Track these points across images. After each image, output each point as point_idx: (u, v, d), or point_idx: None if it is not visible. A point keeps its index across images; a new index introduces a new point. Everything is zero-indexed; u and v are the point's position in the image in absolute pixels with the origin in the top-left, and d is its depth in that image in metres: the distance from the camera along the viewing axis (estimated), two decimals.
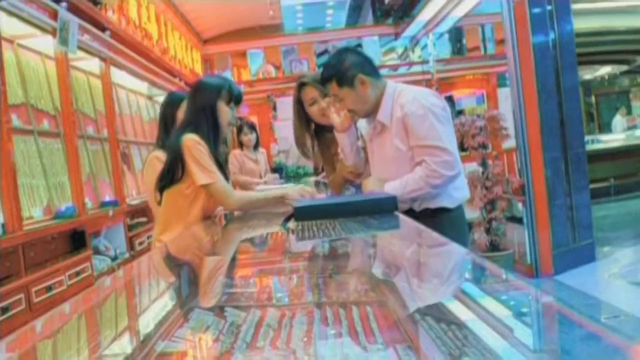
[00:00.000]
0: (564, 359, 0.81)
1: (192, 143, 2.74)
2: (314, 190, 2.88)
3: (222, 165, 2.87)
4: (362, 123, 3.08)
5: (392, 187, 2.72)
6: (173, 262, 2.09)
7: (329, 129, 3.42)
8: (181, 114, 3.51)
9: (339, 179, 3.37)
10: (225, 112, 2.88)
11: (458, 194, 2.83)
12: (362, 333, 0.95)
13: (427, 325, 0.93)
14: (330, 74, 2.81)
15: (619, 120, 14.57)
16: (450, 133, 2.75)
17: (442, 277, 1.43)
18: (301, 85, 3.34)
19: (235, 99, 2.92)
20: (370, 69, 2.82)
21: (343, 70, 2.77)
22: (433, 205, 2.76)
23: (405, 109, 2.69)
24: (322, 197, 2.94)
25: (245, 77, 11.49)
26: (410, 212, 2.73)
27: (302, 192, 2.80)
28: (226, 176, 2.89)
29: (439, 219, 2.74)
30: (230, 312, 1.17)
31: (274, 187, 3.97)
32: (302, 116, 3.39)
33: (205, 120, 2.83)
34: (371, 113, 2.87)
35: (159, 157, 3.39)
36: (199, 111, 2.85)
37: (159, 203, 2.94)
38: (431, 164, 2.64)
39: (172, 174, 2.81)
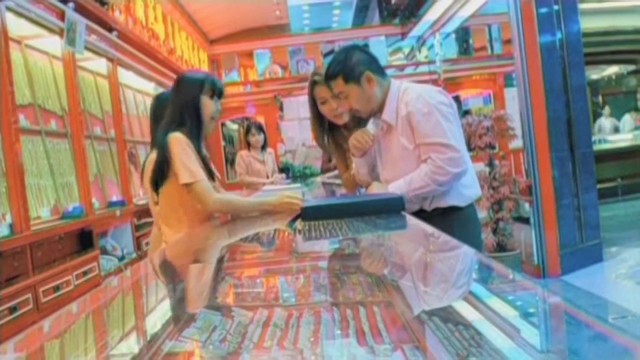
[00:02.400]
0: (571, 359, 0.81)
1: (177, 141, 2.71)
2: (300, 197, 2.81)
3: (206, 162, 2.84)
4: (369, 125, 3.06)
5: (396, 186, 2.70)
6: (179, 263, 2.09)
7: (343, 125, 3.41)
8: None
9: (353, 179, 3.36)
10: (209, 106, 2.85)
11: (468, 192, 2.80)
12: (369, 333, 0.95)
13: (434, 326, 0.93)
14: (336, 70, 2.77)
15: (627, 120, 14.50)
16: (456, 130, 2.72)
17: (449, 277, 1.43)
18: (314, 83, 3.32)
19: (218, 92, 2.88)
20: (376, 67, 2.79)
21: (351, 66, 2.73)
22: (444, 204, 2.74)
23: (410, 107, 2.67)
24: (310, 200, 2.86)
25: (252, 77, 11.51)
26: (421, 212, 2.73)
27: (288, 200, 2.70)
28: (211, 172, 2.86)
29: (451, 218, 2.72)
30: (237, 312, 1.17)
31: (279, 188, 3.95)
32: (316, 112, 3.37)
33: (188, 116, 2.80)
34: (376, 113, 2.85)
35: None
36: (182, 107, 2.82)
37: (156, 203, 2.93)
38: (437, 161, 2.61)
39: (161, 171, 2.79)
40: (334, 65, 2.81)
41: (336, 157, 3.54)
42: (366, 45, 11.13)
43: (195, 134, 2.81)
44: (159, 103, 3.57)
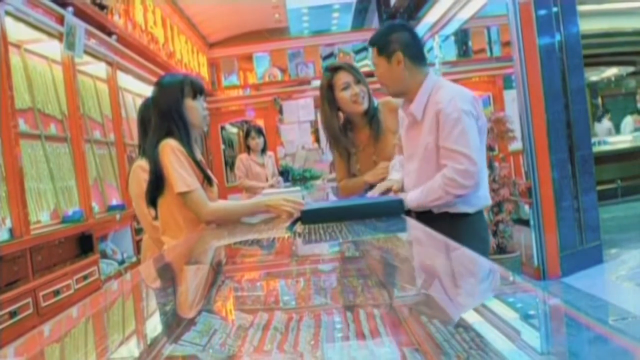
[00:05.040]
0: None
1: (170, 149, 2.67)
2: (299, 199, 2.81)
3: (201, 167, 2.78)
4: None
5: (414, 197, 2.72)
6: (179, 266, 2.09)
7: (352, 127, 3.41)
8: None
9: (361, 183, 3.34)
10: (195, 108, 2.79)
11: (480, 201, 2.80)
12: (369, 336, 0.95)
13: (434, 328, 0.93)
14: (375, 39, 2.85)
15: (628, 122, 14.48)
16: (479, 142, 2.71)
17: (449, 279, 1.43)
18: (335, 70, 3.34)
19: (199, 90, 2.81)
20: (414, 52, 2.80)
21: (387, 40, 2.78)
22: (453, 210, 2.74)
23: (440, 106, 2.66)
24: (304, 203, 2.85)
25: (251, 81, 11.52)
26: (428, 213, 2.74)
27: (284, 202, 2.69)
28: (208, 177, 2.82)
29: (457, 223, 2.73)
30: (237, 315, 1.17)
31: (278, 191, 3.93)
32: (332, 103, 3.36)
33: (174, 124, 2.73)
34: (401, 96, 2.87)
35: (143, 167, 3.28)
36: (166, 115, 2.75)
37: (155, 217, 2.87)
38: (451, 172, 2.61)
39: (156, 187, 2.74)
40: (377, 35, 2.89)
41: (339, 159, 3.51)
42: (365, 49, 11.18)
43: (186, 140, 2.75)
44: (147, 108, 3.49)
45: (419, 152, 2.78)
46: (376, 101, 3.43)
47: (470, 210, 2.76)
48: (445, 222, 2.66)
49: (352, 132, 3.43)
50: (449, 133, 2.64)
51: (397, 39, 2.78)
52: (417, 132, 2.80)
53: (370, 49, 2.88)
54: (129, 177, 3.52)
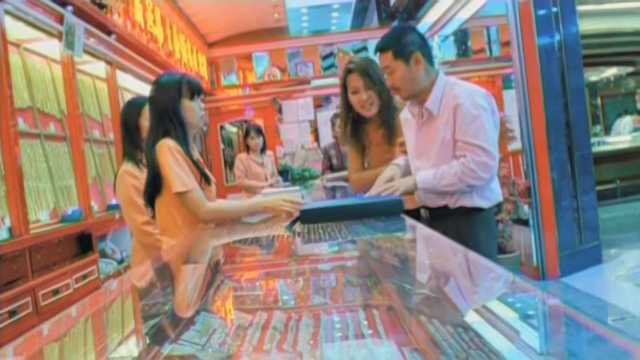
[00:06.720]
0: None
1: (167, 148, 2.66)
2: (299, 199, 2.81)
3: (199, 166, 2.77)
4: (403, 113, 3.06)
5: (425, 177, 2.73)
6: (178, 266, 2.09)
7: (366, 120, 3.41)
8: (144, 120, 3.32)
9: (375, 177, 3.27)
10: (193, 108, 2.78)
11: (494, 196, 2.84)
12: (368, 336, 0.95)
13: (433, 328, 0.93)
14: (389, 43, 2.78)
15: (627, 122, 14.46)
16: (496, 139, 2.75)
17: (448, 279, 1.43)
18: (349, 72, 3.32)
19: (197, 90, 2.80)
20: (427, 53, 2.80)
21: (404, 43, 2.74)
22: (469, 203, 2.76)
23: (459, 101, 2.68)
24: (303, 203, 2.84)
25: (250, 80, 11.51)
26: (444, 209, 2.77)
27: (282, 203, 2.68)
28: (206, 176, 2.80)
29: (473, 218, 2.76)
30: (236, 315, 1.17)
31: (278, 191, 3.93)
32: (346, 101, 3.36)
33: (171, 123, 2.72)
34: (415, 97, 2.84)
35: (129, 171, 3.27)
36: (163, 114, 2.73)
37: (153, 217, 2.86)
38: (471, 162, 2.63)
39: (154, 186, 2.73)
40: (387, 38, 2.82)
41: (353, 152, 3.51)
42: (365, 48, 11.18)
43: (183, 139, 2.74)
44: (131, 109, 3.46)
45: (433, 148, 2.79)
46: (395, 99, 3.40)
47: (485, 205, 2.79)
48: (461, 217, 2.72)
49: (368, 125, 3.43)
50: (468, 127, 2.67)
51: (411, 40, 2.76)
52: (431, 128, 2.81)
53: (378, 55, 2.82)
54: (115, 181, 3.45)
